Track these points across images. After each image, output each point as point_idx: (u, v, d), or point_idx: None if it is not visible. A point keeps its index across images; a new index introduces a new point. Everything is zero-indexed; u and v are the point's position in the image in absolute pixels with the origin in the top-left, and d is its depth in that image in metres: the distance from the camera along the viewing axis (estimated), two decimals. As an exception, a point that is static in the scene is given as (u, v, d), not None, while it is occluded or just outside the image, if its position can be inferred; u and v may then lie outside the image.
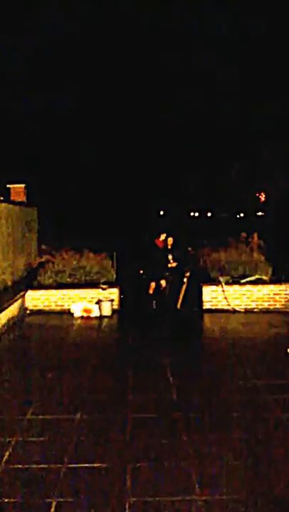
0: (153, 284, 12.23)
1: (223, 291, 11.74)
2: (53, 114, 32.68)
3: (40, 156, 31.01)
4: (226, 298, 11.72)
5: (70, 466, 4.61)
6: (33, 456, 4.80)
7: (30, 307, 11.74)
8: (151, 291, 12.24)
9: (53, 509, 4.01)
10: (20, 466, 4.64)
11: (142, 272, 12.85)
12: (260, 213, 46.64)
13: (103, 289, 11.81)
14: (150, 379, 7.01)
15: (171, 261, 12.56)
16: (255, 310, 11.65)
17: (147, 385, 6.73)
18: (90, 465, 4.63)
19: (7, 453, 4.86)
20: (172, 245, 12.76)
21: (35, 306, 11.78)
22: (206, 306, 11.80)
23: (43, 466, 4.63)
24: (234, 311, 11.60)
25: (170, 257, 12.61)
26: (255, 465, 4.60)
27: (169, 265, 12.50)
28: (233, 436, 5.18)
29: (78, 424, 5.49)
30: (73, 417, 5.65)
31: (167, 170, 43.86)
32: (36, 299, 11.79)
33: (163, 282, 12.27)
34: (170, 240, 12.76)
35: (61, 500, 4.12)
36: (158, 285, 12.27)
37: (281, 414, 5.67)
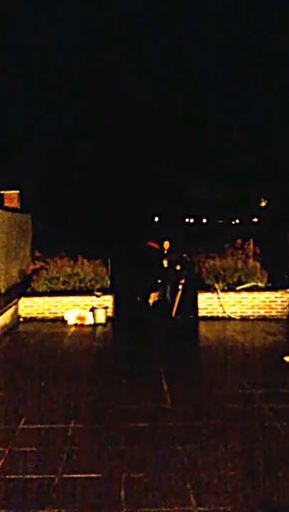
0: (153, 295, 12.35)
1: (219, 298, 11.75)
2: (49, 120, 32.75)
3: (34, 163, 31.02)
4: (221, 305, 11.73)
5: (63, 476, 4.60)
6: (26, 467, 4.78)
7: (24, 315, 11.71)
8: (151, 301, 12.36)
9: (46, 520, 3.99)
10: (13, 476, 4.62)
11: (138, 281, 12.91)
12: (255, 219, 46.77)
13: (97, 296, 11.80)
14: (144, 387, 7.00)
15: (166, 264, 12.59)
16: (251, 317, 11.67)
17: (142, 394, 6.72)
18: (84, 475, 4.61)
19: (0, 463, 4.84)
20: (168, 249, 12.79)
21: (29, 313, 11.76)
22: (202, 313, 11.81)
23: (36, 476, 4.61)
24: (230, 319, 11.61)
25: (165, 261, 12.64)
26: (251, 475, 4.60)
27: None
28: (228, 445, 5.17)
29: (72, 434, 5.47)
30: (67, 427, 5.64)
31: (163, 176, 43.95)
32: (29, 307, 11.77)
33: (155, 295, 12.39)
34: (166, 244, 12.78)
35: (55, 510, 4.10)
36: (147, 297, 12.37)
37: (277, 423, 5.67)
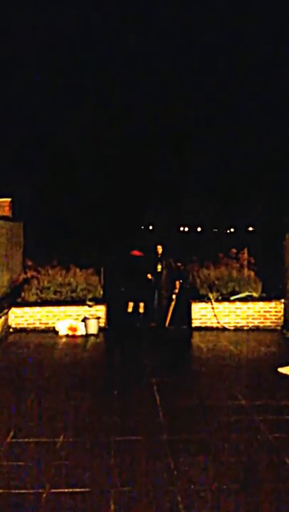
0: (131, 304, 12.38)
1: (213, 308, 11.75)
2: (42, 128, 32.83)
3: (27, 171, 31.05)
4: (215, 315, 11.73)
5: (52, 491, 4.56)
6: (13, 481, 4.74)
7: (14, 325, 11.67)
8: (130, 310, 12.40)
9: (33, 537, 3.96)
10: (0, 491, 4.58)
11: (122, 288, 12.92)
12: (251, 228, 46.87)
13: (90, 306, 11.78)
14: (136, 400, 6.98)
15: (159, 269, 12.61)
16: (245, 328, 11.67)
17: (133, 406, 6.70)
18: (73, 490, 4.58)
19: (-14, 478, 4.80)
20: (162, 254, 12.78)
21: (19, 324, 11.71)
22: (195, 323, 11.81)
23: (23, 491, 4.57)
24: (224, 329, 11.60)
25: (159, 266, 12.65)
26: (243, 489, 4.58)
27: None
28: (221, 459, 5.15)
29: (61, 448, 5.44)
30: (56, 440, 5.60)
31: (158, 184, 44.03)
32: (20, 317, 11.73)
33: (141, 304, 12.45)
34: (159, 248, 12.78)
35: (42, 527, 4.07)
36: (137, 305, 12.40)
37: (270, 435, 5.66)
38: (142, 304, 12.77)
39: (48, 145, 33.32)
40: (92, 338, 11.02)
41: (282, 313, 11.63)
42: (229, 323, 11.72)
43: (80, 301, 12.04)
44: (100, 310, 11.82)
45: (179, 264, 14.55)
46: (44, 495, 4.49)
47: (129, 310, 12.61)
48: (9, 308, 11.68)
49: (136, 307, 12.73)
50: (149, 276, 12.54)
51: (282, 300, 11.69)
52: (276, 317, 11.66)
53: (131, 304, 12.61)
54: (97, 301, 11.98)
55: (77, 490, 4.57)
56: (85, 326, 11.30)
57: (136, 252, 13.08)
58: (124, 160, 39.31)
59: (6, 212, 15.68)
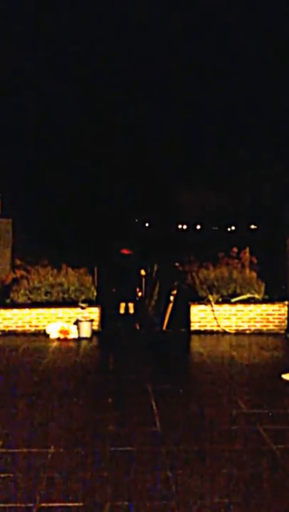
0: (123, 305, 12.38)
1: (213, 310, 11.74)
2: (32, 120, 32.75)
3: (16, 167, 30.96)
4: (215, 318, 11.72)
5: (42, 505, 4.52)
6: (1, 494, 4.70)
7: (2, 328, 11.63)
8: (122, 311, 12.40)
9: None
10: (-13, 505, 4.55)
11: (114, 289, 12.94)
12: (253, 226, 46.88)
13: (82, 308, 11.75)
14: (132, 408, 6.95)
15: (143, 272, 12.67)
16: (247, 331, 11.66)
17: (129, 415, 6.67)
18: (65, 504, 4.54)
19: (-27, 491, 4.77)
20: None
21: (7, 326, 11.68)
22: (194, 326, 11.80)
23: (11, 505, 4.53)
24: (224, 333, 11.59)
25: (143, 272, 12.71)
26: (246, 502, 4.55)
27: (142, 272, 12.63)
28: (221, 471, 5.13)
29: (52, 459, 5.40)
30: (46, 451, 5.57)
31: (154, 180, 43.95)
32: (8, 319, 11.70)
33: (131, 305, 12.44)
34: (143, 272, 12.84)
35: None
36: (127, 306, 12.40)
37: (274, 446, 5.64)
38: (131, 305, 12.79)
39: (39, 137, 33.26)
40: (85, 342, 10.99)
41: (286, 316, 11.63)
42: (230, 326, 11.71)
43: (72, 303, 12.02)
44: (94, 312, 11.80)
45: (176, 264, 14.57)
46: (34, 509, 4.45)
47: (122, 311, 12.63)
48: (-3, 310, 11.65)
49: (127, 308, 12.74)
50: (142, 272, 12.56)
51: (286, 302, 11.69)
52: (280, 320, 11.66)
53: (123, 305, 12.62)
54: (90, 303, 11.96)
55: (70, 504, 4.54)
56: (78, 329, 11.27)
57: (125, 251, 13.09)
58: (117, 153, 39.23)
59: (-6, 208, 15.64)
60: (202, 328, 11.76)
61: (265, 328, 11.67)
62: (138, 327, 12.36)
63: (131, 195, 41.67)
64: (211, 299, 11.84)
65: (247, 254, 13.12)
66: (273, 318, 11.69)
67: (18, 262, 14.70)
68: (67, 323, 11.49)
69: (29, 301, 12.12)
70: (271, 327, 11.66)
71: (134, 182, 41.29)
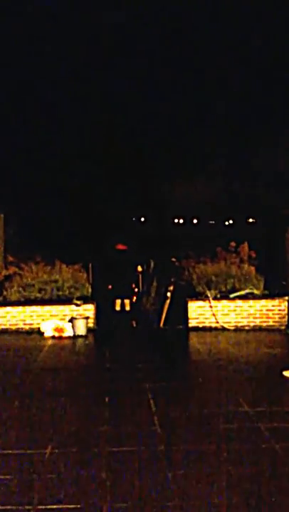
0: (118, 301, 12.39)
1: (211, 306, 11.74)
2: (23, 115, 32.68)
3: (6, 162, 30.87)
4: (214, 314, 11.73)
5: (39, 507, 4.52)
6: (-4, 497, 4.70)
7: (-5, 326, 11.62)
8: (118, 308, 12.40)
9: None
10: (-18, 508, 4.54)
11: (109, 286, 12.94)
12: (251, 220, 46.88)
13: (77, 306, 11.74)
14: (129, 407, 6.95)
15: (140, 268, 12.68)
16: (246, 328, 11.68)
17: (126, 414, 6.67)
18: (62, 506, 4.54)
19: None
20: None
21: (0, 324, 11.65)
22: (192, 323, 11.80)
23: (8, 507, 4.52)
24: (223, 329, 11.60)
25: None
26: (247, 503, 4.56)
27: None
28: (223, 470, 5.13)
29: (49, 460, 5.40)
30: (43, 452, 5.56)
31: (148, 173, 43.85)
32: (1, 317, 11.68)
33: (126, 301, 12.45)
34: (139, 268, 12.84)
35: None
36: (123, 303, 12.41)
37: (276, 445, 5.64)
38: (127, 301, 12.80)
39: (30, 132, 33.18)
40: (80, 340, 10.98)
41: (286, 311, 11.65)
42: (229, 322, 11.72)
43: (66, 300, 12.00)
44: (89, 309, 11.79)
45: (173, 259, 14.56)
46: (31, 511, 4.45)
47: (117, 308, 12.63)
48: (-11, 307, 11.63)
49: (123, 305, 12.75)
50: (139, 268, 12.57)
51: (286, 297, 11.70)
52: (280, 316, 11.68)
53: (118, 302, 12.63)
54: (85, 300, 11.95)
55: (67, 506, 4.53)
56: (73, 326, 11.26)
57: (120, 246, 13.09)
58: (110, 147, 39.16)
59: (-15, 203, 15.60)
60: (200, 325, 11.77)
61: (264, 324, 11.69)
62: (134, 324, 12.36)
63: (125, 190, 41.61)
64: (209, 294, 11.85)
65: (245, 249, 13.14)
66: (273, 314, 11.71)
67: (10, 258, 14.68)
68: (62, 321, 11.48)
69: (22, 299, 12.10)
70: (271, 323, 11.68)
71: (128, 176, 41.22)
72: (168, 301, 12.22)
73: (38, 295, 12.21)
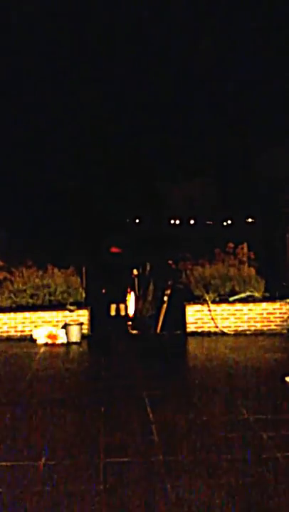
0: (114, 306, 12.42)
1: (210, 310, 11.77)
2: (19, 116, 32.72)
3: None
4: (212, 319, 11.75)
5: (33, 522, 4.54)
6: (-11, 512, 4.72)
7: (-14, 334, 11.63)
8: (113, 313, 12.43)
9: None
10: (-26, 523, 4.56)
11: (104, 290, 12.96)
12: (250, 220, 46.94)
13: (71, 311, 11.75)
14: (126, 416, 6.96)
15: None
16: (247, 332, 11.71)
17: (123, 424, 6.69)
18: (57, 520, 4.56)
19: None
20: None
21: (-9, 332, 11.67)
22: (190, 328, 11.82)
23: (1, 523, 4.55)
24: (222, 334, 11.63)
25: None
26: (248, 515, 4.59)
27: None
28: (223, 481, 5.16)
29: (42, 472, 5.41)
30: (36, 464, 5.58)
31: (144, 174, 43.86)
32: (-8, 324, 11.68)
33: (122, 306, 12.49)
34: (135, 272, 12.89)
35: None
36: (118, 308, 12.44)
37: (278, 454, 5.67)
38: (122, 306, 12.83)
39: (22, 133, 33.20)
40: (74, 347, 10.99)
41: (288, 314, 11.68)
42: (229, 327, 11.75)
43: (59, 306, 12.01)
44: (83, 315, 11.80)
45: (170, 262, 14.59)
46: (25, 526, 4.47)
47: (112, 313, 12.65)
48: (-21, 314, 11.64)
49: (118, 310, 12.77)
50: (134, 272, 12.60)
51: (288, 300, 11.73)
52: (281, 319, 11.71)
53: (113, 307, 12.64)
54: (79, 305, 11.96)
55: (63, 520, 4.56)
56: (66, 333, 11.27)
57: (114, 249, 13.12)
58: (105, 149, 39.17)
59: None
60: (199, 330, 11.79)
61: (266, 328, 11.71)
62: (131, 330, 12.37)
63: (120, 190, 41.60)
64: (207, 298, 11.87)
65: (244, 250, 13.15)
66: (275, 318, 11.73)
67: (0, 263, 14.68)
68: (55, 328, 11.48)
69: (14, 305, 12.10)
70: (272, 327, 11.71)
71: (124, 176, 41.23)
72: (165, 306, 12.24)
73: (30, 301, 12.21)
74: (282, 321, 11.71)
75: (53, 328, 11.47)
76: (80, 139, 37.36)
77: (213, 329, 11.75)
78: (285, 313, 11.71)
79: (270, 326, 11.72)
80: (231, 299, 11.92)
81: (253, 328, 11.73)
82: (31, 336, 11.48)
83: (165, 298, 12.30)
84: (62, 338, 11.24)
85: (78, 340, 11.26)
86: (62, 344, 11.15)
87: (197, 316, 11.84)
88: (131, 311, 12.98)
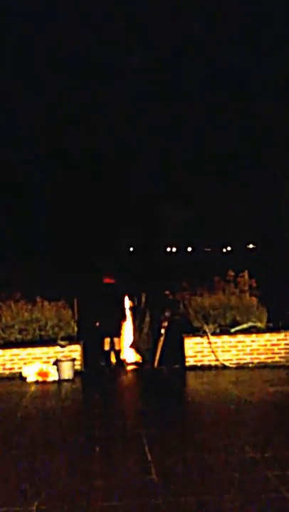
0: (108, 340, 12.44)
1: (210, 343, 11.77)
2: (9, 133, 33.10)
3: None
4: (213, 351, 11.75)
5: None
6: None
7: (-28, 372, 11.59)
8: (107, 348, 12.43)
9: None
10: None
11: (97, 323, 12.97)
12: (251, 246, 47.19)
13: (62, 347, 11.74)
14: (123, 457, 6.94)
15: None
16: (250, 365, 11.70)
17: (119, 465, 6.66)
18: None
19: None
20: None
21: (-22, 370, 11.64)
22: (190, 362, 11.82)
23: None
24: (224, 368, 11.62)
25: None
26: None
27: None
28: (227, 524, 5.14)
29: (35, 518, 5.39)
30: (29, 509, 5.54)
31: (139, 199, 44.22)
32: (-21, 362, 11.66)
33: (116, 340, 12.51)
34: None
35: None
36: (113, 341, 12.45)
37: (285, 492, 5.65)
38: (116, 340, 12.82)
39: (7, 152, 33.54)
40: (66, 385, 10.96)
41: (293, 345, 11.69)
42: (230, 360, 11.74)
43: (50, 341, 12.00)
44: (75, 350, 11.79)
45: (167, 292, 14.63)
46: None
47: (106, 348, 12.63)
48: None
49: (113, 343, 12.75)
50: (130, 303, 12.65)
51: (293, 330, 11.75)
52: (286, 351, 11.71)
53: (107, 340, 12.62)
54: (70, 340, 11.95)
55: None
56: (58, 369, 11.25)
57: (108, 280, 13.17)
58: (94, 172, 39.55)
59: None
60: (198, 364, 11.78)
61: (269, 361, 11.70)
62: (124, 364, 12.37)
63: (114, 216, 41.85)
64: (207, 329, 11.88)
65: (245, 278, 13.19)
66: (279, 349, 11.73)
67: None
68: (46, 364, 11.46)
69: (2, 341, 12.08)
70: (277, 359, 11.70)
71: (117, 202, 41.51)
72: (162, 338, 12.24)
73: (19, 336, 12.19)
74: (287, 353, 11.71)
75: (44, 364, 11.44)
76: (74, 164, 37.69)
77: (213, 363, 11.74)
78: (289, 344, 11.72)
79: (274, 357, 11.72)
80: (233, 330, 11.93)
81: (256, 361, 11.73)
82: (21, 373, 11.45)
83: (162, 330, 12.31)
84: (53, 376, 11.21)
85: (71, 377, 11.22)
86: (54, 381, 11.12)
87: (197, 349, 11.84)
88: (126, 344, 12.97)
